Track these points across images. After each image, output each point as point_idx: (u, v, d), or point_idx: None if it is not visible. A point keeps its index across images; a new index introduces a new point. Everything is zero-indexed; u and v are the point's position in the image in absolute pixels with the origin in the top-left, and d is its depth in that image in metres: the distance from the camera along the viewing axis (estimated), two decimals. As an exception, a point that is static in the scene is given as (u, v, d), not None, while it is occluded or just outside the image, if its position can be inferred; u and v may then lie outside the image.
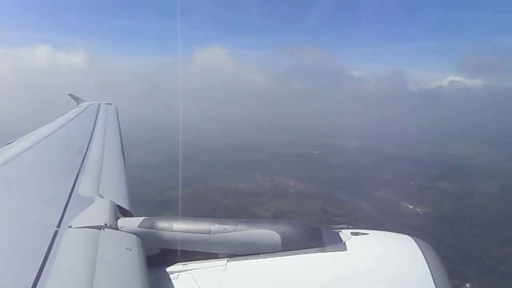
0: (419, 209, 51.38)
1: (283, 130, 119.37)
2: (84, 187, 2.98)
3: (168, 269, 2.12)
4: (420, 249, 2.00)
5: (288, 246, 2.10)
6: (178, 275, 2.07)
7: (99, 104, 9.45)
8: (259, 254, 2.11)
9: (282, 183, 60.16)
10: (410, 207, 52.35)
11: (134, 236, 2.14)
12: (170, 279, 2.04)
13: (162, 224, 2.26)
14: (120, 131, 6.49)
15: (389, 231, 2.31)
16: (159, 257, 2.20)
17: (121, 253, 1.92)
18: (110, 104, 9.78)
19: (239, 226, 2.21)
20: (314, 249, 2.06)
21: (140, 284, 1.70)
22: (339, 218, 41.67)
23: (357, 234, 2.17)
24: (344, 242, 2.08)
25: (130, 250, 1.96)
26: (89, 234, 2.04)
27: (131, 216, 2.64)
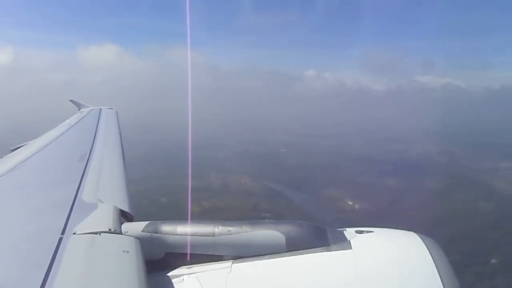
0: (357, 205, 53.75)
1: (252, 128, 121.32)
2: (88, 193, 3.03)
3: (173, 273, 2.16)
4: (426, 245, 2.01)
5: (293, 246, 2.13)
6: (183, 278, 2.10)
7: (100, 109, 9.68)
8: (264, 255, 2.14)
9: (234, 180, 62.43)
10: (350, 203, 54.69)
11: (132, 238, 2.18)
12: (175, 283, 2.07)
13: (166, 228, 2.31)
14: (120, 135, 6.73)
15: (392, 227, 2.34)
16: (164, 261, 2.26)
17: (118, 256, 1.95)
18: (111, 108, 10.02)
19: (243, 227, 2.24)
20: (319, 248, 2.09)
21: (137, 285, 1.71)
22: (267, 214, 43.89)
23: (361, 232, 2.19)
24: (349, 241, 2.11)
25: (128, 252, 1.98)
26: (93, 241, 2.08)
27: (132, 218, 2.73)
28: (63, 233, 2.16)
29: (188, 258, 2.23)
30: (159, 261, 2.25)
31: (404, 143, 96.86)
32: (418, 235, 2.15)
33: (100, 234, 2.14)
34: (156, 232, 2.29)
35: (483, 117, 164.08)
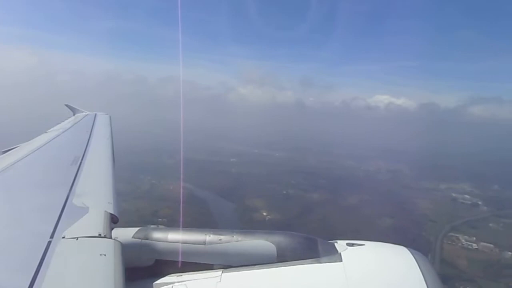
0: (268, 216, 56.13)
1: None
2: (78, 197, 3.01)
3: (162, 280, 2.18)
4: (415, 260, 2.07)
5: (284, 257, 2.19)
6: (172, 286, 2.12)
7: (95, 114, 9.83)
8: (255, 265, 2.18)
9: (161, 187, 64.56)
10: (264, 213, 57.06)
11: (111, 241, 2.16)
12: None
13: (157, 234, 2.36)
14: (112, 139, 6.87)
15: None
16: (153, 268, 2.29)
17: (94, 259, 1.95)
18: (106, 114, 10.29)
19: (234, 236, 2.28)
20: (309, 260, 2.14)
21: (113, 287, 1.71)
22: (164, 220, 46.30)
23: (352, 245, 2.25)
24: (340, 253, 2.17)
25: (105, 255, 1.96)
26: (74, 245, 2.07)
27: (117, 219, 2.69)
28: (52, 236, 2.16)
29: (178, 266, 2.26)
30: (149, 268, 2.29)
31: (352, 160, 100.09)
32: (408, 249, 2.21)
33: (77, 239, 2.13)
34: (146, 239, 2.34)
35: (438, 138, 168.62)
